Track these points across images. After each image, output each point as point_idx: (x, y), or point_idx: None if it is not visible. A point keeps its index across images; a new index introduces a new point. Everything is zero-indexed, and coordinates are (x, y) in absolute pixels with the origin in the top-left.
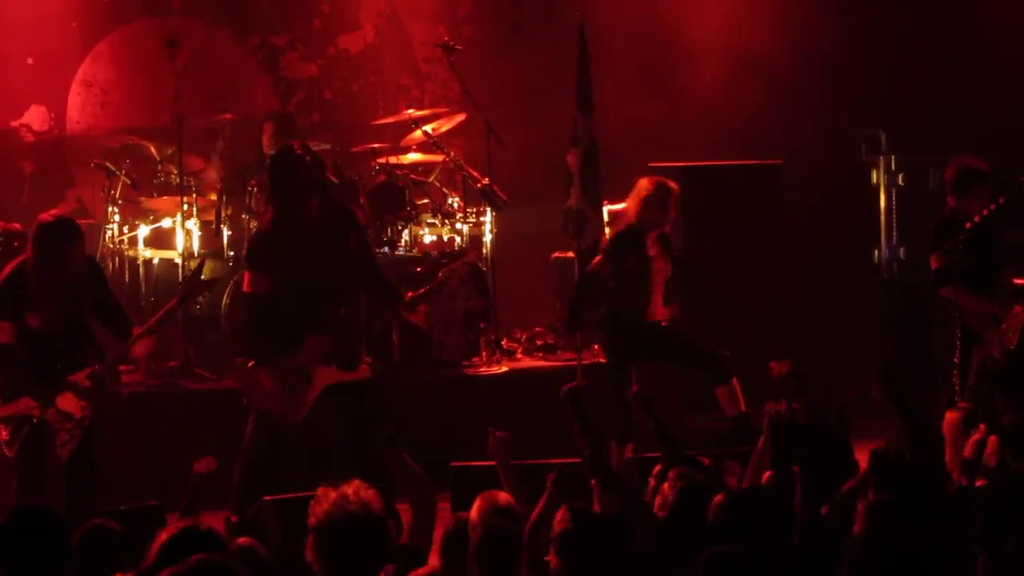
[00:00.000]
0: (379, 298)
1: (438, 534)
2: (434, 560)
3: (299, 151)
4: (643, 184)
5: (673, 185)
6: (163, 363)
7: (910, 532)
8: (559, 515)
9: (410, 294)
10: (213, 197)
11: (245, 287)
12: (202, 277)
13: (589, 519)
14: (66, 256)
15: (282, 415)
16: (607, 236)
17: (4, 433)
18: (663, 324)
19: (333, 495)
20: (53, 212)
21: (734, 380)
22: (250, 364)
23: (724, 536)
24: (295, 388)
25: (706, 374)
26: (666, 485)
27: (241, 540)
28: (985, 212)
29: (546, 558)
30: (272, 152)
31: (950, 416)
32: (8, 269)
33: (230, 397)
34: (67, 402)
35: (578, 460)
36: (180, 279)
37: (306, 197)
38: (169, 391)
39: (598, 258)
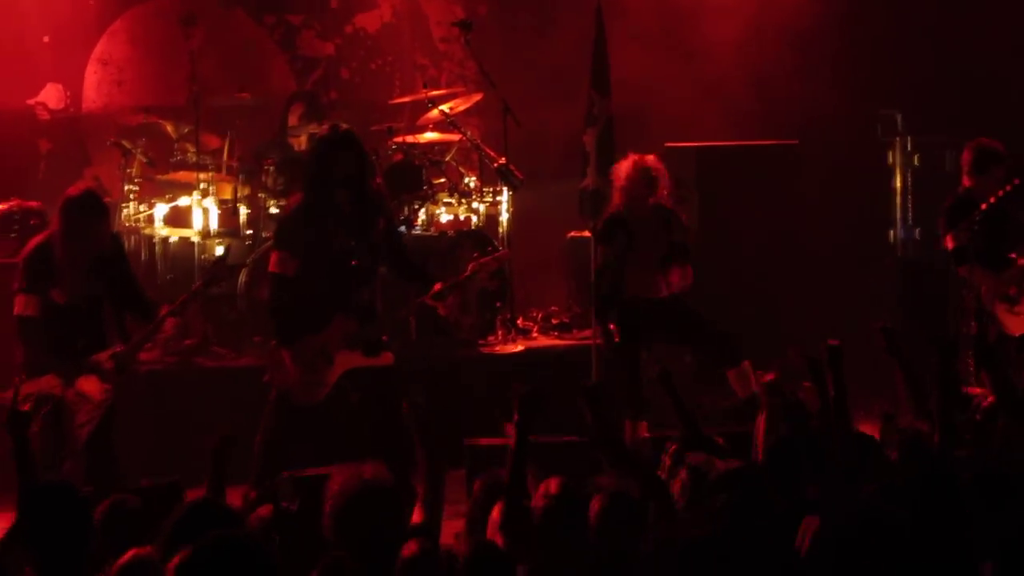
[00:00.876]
0: (407, 282)
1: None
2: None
3: (344, 145)
4: (621, 168)
5: (651, 162)
6: (181, 341)
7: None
8: (541, 489)
9: (439, 285)
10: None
11: (271, 267)
12: (227, 262)
13: (576, 498)
14: (93, 231)
15: (302, 395)
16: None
17: (26, 409)
18: (667, 299)
19: (348, 471)
20: (81, 186)
21: (745, 362)
22: (272, 343)
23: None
24: (316, 369)
25: (717, 356)
26: (683, 471)
27: (261, 511)
28: (1000, 193)
29: None
30: (299, 132)
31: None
32: (34, 243)
33: (248, 375)
34: (89, 384)
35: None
36: (198, 259)
37: (339, 188)
38: (187, 369)
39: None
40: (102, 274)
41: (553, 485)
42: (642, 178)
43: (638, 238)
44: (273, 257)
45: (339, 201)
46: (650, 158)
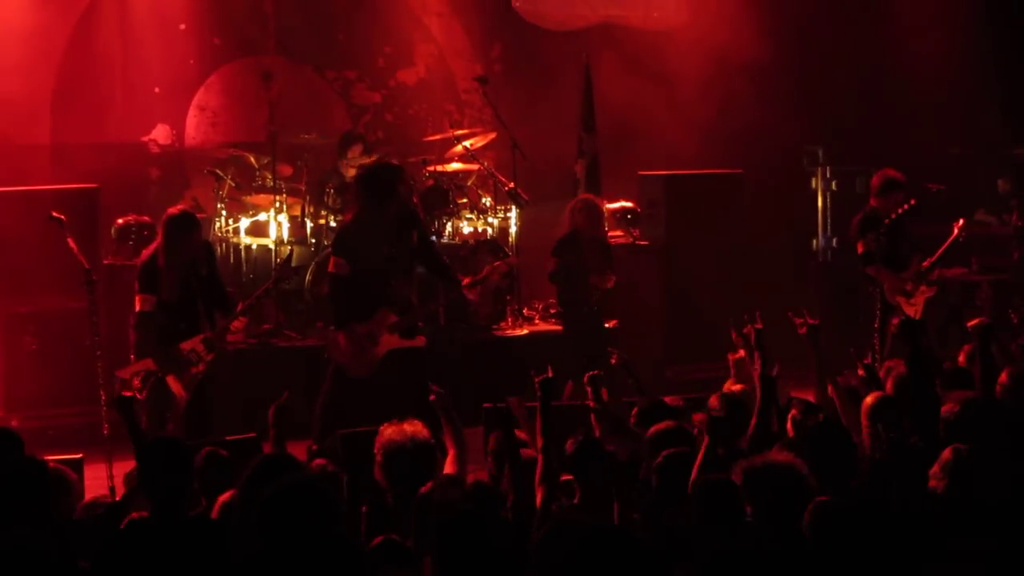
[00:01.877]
0: (440, 281)
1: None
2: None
3: (391, 173)
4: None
5: (591, 201)
6: (260, 327)
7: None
8: (571, 439)
9: (468, 279)
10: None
11: (330, 268)
12: (292, 264)
13: (597, 446)
14: (188, 241)
15: (354, 370)
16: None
17: (137, 382)
18: (606, 293)
19: (393, 428)
20: (179, 206)
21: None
22: (331, 328)
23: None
24: (365, 349)
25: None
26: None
27: (317, 461)
28: (900, 211)
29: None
30: (355, 163)
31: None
32: (146, 252)
33: (312, 353)
34: (175, 384)
35: (568, 404)
36: (273, 262)
37: (386, 205)
38: (265, 348)
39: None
40: (196, 274)
41: (580, 435)
42: (590, 215)
43: (586, 254)
44: (331, 261)
45: (383, 216)
46: (592, 199)
